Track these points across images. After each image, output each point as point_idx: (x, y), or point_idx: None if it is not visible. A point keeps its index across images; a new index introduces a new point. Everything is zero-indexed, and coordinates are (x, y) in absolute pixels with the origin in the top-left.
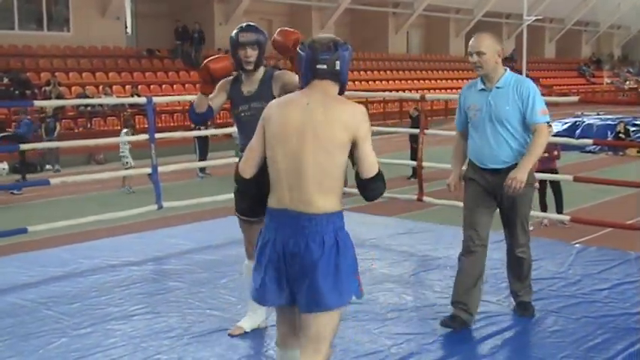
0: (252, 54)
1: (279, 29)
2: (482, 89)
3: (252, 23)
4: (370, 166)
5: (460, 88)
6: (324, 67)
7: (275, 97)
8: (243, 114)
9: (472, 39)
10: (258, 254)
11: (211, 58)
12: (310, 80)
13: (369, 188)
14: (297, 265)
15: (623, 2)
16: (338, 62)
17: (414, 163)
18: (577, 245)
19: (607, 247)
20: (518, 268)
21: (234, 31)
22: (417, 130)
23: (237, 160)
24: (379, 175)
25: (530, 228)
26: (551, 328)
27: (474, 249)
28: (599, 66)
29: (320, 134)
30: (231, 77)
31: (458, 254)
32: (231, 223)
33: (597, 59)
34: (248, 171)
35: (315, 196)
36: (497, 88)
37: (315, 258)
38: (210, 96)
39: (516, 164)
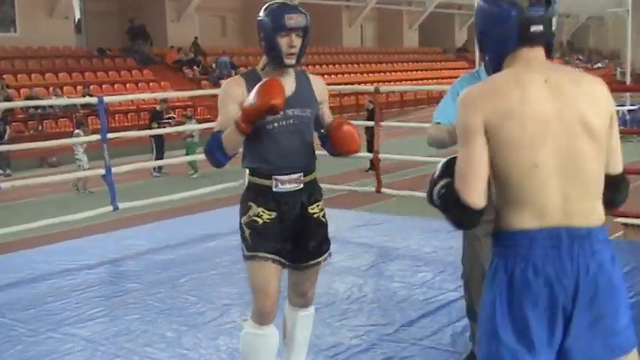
0: (297, 43)
1: None
2: None
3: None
4: (620, 156)
5: (415, 79)
6: (540, 27)
7: (317, 105)
8: (275, 125)
9: None
10: (505, 307)
11: (264, 85)
12: (514, 49)
13: (622, 188)
14: (583, 299)
15: None
16: (554, 20)
17: (372, 155)
18: None
19: None
20: None
21: (272, 11)
22: (372, 123)
23: (187, 158)
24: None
25: None
26: None
27: None
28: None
29: (587, 120)
30: (240, 77)
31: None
32: (188, 222)
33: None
34: (481, 197)
35: (596, 202)
36: None
37: (616, 284)
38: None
39: None
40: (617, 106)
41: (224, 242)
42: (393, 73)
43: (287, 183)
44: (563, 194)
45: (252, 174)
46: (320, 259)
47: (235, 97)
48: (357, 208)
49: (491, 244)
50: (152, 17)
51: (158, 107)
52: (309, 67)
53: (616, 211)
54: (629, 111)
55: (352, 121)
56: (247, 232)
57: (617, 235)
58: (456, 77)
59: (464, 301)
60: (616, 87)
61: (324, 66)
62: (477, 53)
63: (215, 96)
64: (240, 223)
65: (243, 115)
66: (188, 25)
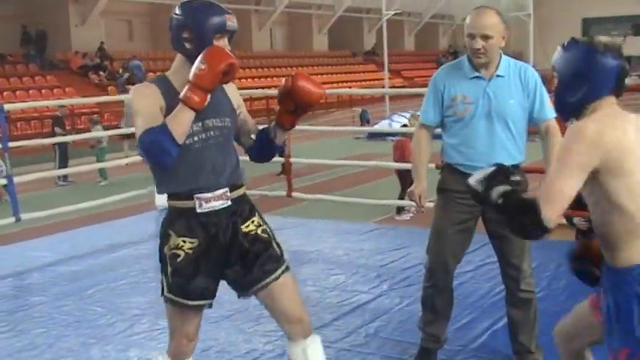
0: (228, 48)
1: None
2: (477, 77)
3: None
4: None
5: (325, 83)
6: (627, 79)
7: (235, 113)
8: (195, 139)
9: (471, 16)
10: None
11: (211, 49)
12: (604, 97)
13: None
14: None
15: None
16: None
17: (282, 159)
18: None
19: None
20: (524, 311)
21: (206, 10)
22: None
23: (98, 165)
24: None
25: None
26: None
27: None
28: (456, 57)
29: None
30: (151, 83)
31: (422, 284)
32: (96, 231)
33: (454, 51)
34: (556, 222)
35: None
36: (498, 76)
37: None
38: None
39: None
40: None
41: (134, 251)
42: None
43: (212, 200)
44: None
45: (170, 198)
46: (268, 280)
47: (154, 98)
48: (268, 212)
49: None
50: (55, 22)
51: (59, 113)
52: None
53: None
54: None
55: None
56: (169, 269)
57: None
58: (365, 80)
59: (377, 303)
60: None
61: None
62: (385, 56)
63: (123, 102)
64: (162, 256)
65: (194, 85)
66: (93, 30)
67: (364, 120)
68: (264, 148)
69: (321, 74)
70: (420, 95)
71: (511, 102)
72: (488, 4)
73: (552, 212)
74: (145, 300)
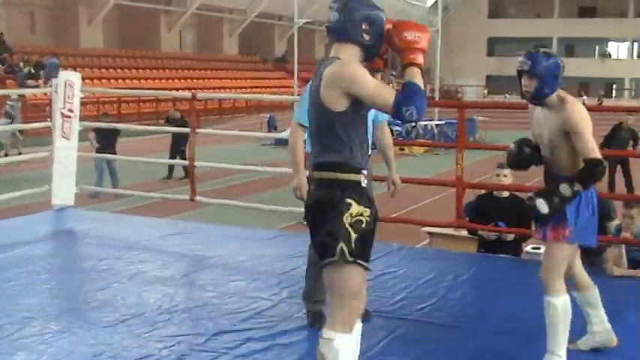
0: None
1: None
2: None
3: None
4: None
5: (234, 87)
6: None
7: None
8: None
9: None
10: None
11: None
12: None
13: None
14: None
15: (386, 9)
16: None
17: (185, 162)
18: None
19: None
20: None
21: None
22: (187, 130)
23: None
24: None
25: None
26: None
27: None
28: None
29: None
30: None
31: None
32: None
33: None
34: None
35: None
36: None
37: None
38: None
39: None
40: (426, 120)
41: (26, 251)
42: (212, 80)
43: (366, 178)
44: None
45: (345, 171)
46: None
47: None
48: (170, 216)
49: None
50: None
51: None
52: (125, 70)
53: (424, 220)
54: (437, 125)
55: (170, 128)
56: (352, 235)
57: (423, 243)
58: (274, 87)
59: (276, 310)
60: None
61: (140, 70)
62: (296, 64)
63: (24, 96)
64: (339, 223)
65: (421, 50)
66: None
67: (271, 127)
68: None
69: (231, 79)
70: None
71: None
72: (399, 18)
73: (598, 153)
74: (36, 302)
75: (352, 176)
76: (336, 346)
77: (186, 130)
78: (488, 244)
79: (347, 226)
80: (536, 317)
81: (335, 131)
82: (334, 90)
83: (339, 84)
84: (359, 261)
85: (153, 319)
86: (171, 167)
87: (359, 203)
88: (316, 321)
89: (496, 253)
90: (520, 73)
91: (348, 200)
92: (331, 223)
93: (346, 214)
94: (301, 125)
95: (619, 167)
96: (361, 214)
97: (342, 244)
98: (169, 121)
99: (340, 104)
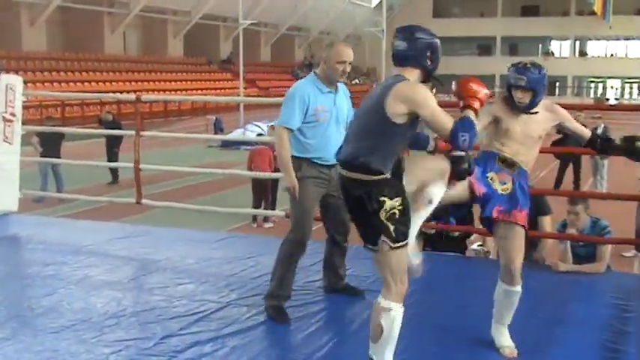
0: None
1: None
2: (330, 92)
3: None
4: None
5: (179, 89)
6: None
7: None
8: None
9: (344, 48)
10: None
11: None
12: None
13: None
14: None
15: (331, 10)
16: None
17: (130, 165)
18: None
19: None
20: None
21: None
22: (131, 132)
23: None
24: None
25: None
26: (267, 319)
27: None
28: (311, 69)
29: None
30: None
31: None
32: None
33: (309, 63)
34: None
35: None
36: (337, 91)
37: None
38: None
39: None
40: None
41: None
42: (157, 82)
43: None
44: None
45: (378, 173)
46: None
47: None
48: (117, 219)
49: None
50: None
51: None
52: (68, 73)
53: None
54: None
55: (118, 131)
56: (391, 227)
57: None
58: (220, 88)
59: (225, 312)
60: None
61: (83, 73)
62: (241, 65)
63: None
64: (377, 221)
65: (480, 100)
66: None
67: (218, 129)
68: None
69: (176, 81)
70: (275, 105)
71: (345, 110)
72: (344, 18)
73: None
74: None
75: (381, 176)
76: (393, 315)
77: (122, 132)
78: (430, 239)
79: (384, 221)
80: (483, 314)
81: (386, 138)
82: (402, 105)
83: (410, 103)
84: (400, 244)
85: (100, 323)
86: (114, 170)
87: (391, 198)
88: (277, 315)
89: (442, 251)
90: (512, 85)
91: (382, 198)
92: (371, 221)
93: (382, 212)
94: (287, 129)
95: (570, 165)
96: (394, 207)
97: (383, 237)
98: (102, 124)
99: (401, 118)
